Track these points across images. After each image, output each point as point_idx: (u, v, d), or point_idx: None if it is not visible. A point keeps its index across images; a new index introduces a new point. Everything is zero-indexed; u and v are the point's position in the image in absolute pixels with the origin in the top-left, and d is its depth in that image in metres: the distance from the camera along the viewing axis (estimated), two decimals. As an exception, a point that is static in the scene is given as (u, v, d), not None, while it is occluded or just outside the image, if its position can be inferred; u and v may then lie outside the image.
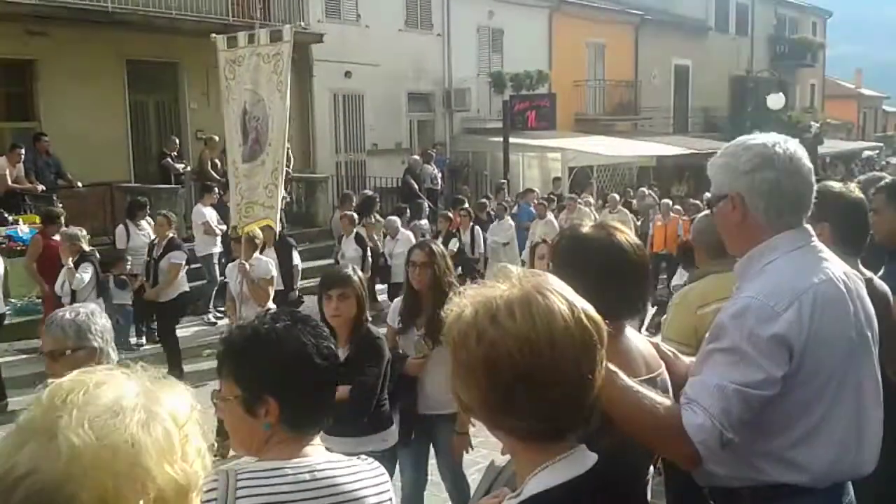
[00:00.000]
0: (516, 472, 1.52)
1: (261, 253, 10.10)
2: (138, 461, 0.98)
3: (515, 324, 1.38)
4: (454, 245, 12.28)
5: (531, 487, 1.42)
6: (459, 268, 12.73)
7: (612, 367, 1.71)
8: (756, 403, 1.94)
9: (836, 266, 2.15)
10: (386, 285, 12.29)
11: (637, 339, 2.29)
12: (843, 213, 2.95)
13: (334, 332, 3.65)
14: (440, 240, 12.29)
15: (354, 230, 11.61)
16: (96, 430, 0.97)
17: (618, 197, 16.55)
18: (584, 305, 1.44)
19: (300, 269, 10.48)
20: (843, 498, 2.15)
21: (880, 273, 3.19)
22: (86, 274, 8.40)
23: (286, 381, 1.84)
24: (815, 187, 2.90)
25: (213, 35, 7.62)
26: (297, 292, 10.23)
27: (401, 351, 4.52)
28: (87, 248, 8.77)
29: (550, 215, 14.12)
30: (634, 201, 18.05)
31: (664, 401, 1.93)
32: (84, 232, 8.92)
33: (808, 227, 2.20)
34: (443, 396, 4.20)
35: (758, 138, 2.20)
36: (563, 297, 1.43)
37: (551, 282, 1.47)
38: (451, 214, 13.10)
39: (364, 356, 3.95)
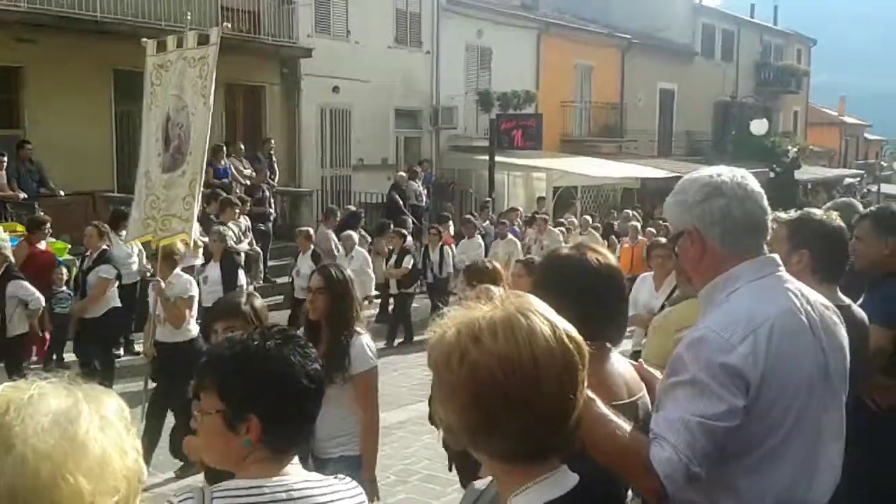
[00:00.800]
0: (498, 493, 1.51)
1: (204, 266, 9.90)
2: (106, 462, 1.00)
3: (498, 344, 1.38)
4: (408, 262, 12.27)
5: None
6: (415, 286, 12.74)
7: (590, 393, 1.72)
8: (720, 435, 1.92)
9: (801, 296, 2.13)
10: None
11: (619, 361, 2.31)
12: (824, 241, 2.97)
13: None
14: (393, 258, 12.36)
15: (311, 247, 11.40)
16: (57, 435, 0.98)
17: (589, 219, 16.65)
18: (565, 326, 1.45)
19: (245, 288, 9.88)
20: None
21: (860, 301, 3.22)
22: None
23: (271, 401, 1.83)
24: (794, 214, 2.93)
25: (144, 39, 7.40)
26: None
27: None
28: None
29: (511, 235, 14.22)
30: (617, 223, 18.13)
31: (636, 434, 1.92)
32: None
33: (775, 256, 2.19)
34: (340, 438, 3.96)
35: (704, 171, 2.21)
36: (545, 317, 1.43)
37: (533, 303, 1.47)
38: (404, 231, 13.10)
39: None
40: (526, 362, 1.37)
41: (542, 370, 1.37)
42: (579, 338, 1.46)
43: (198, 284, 9.39)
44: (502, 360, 1.37)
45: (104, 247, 9.05)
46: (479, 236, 14.09)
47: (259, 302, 3.65)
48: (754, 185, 2.15)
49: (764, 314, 2.02)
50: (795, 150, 30.96)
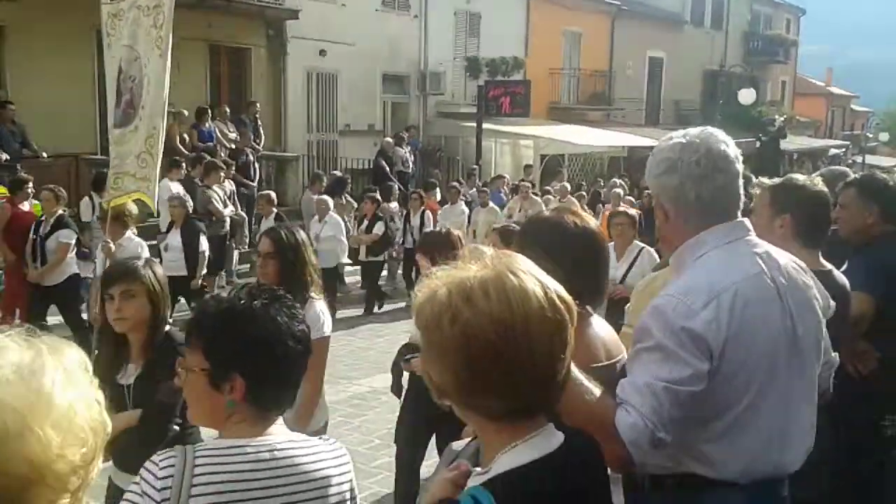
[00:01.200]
0: (484, 451, 1.52)
1: (166, 233, 9.64)
2: (73, 413, 1.00)
3: (490, 304, 1.38)
4: (379, 229, 12.07)
5: (502, 464, 1.43)
6: (385, 253, 12.55)
7: None
8: (685, 399, 1.92)
9: (769, 260, 2.12)
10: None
11: (599, 324, 2.33)
12: (805, 206, 2.97)
13: (122, 342, 3.16)
14: (364, 223, 12.21)
15: (274, 210, 11.32)
16: (22, 388, 0.98)
17: (568, 186, 16.46)
18: (555, 286, 1.46)
19: (206, 256, 9.64)
20: (774, 494, 2.11)
21: (843, 268, 3.23)
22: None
23: (256, 361, 1.82)
24: (777, 180, 2.92)
25: None
26: (199, 281, 9.43)
27: None
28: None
29: (493, 203, 14.09)
30: (604, 191, 18.13)
31: (605, 399, 1.92)
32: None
33: (744, 221, 2.17)
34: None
35: (675, 137, 2.16)
36: (536, 277, 1.44)
37: (523, 262, 1.48)
38: (378, 197, 12.80)
39: (162, 370, 2.86)
40: (518, 322, 1.37)
41: (534, 330, 1.38)
42: (569, 298, 1.47)
43: (159, 253, 9.28)
44: (495, 319, 1.37)
45: (60, 211, 8.76)
46: (463, 203, 13.98)
47: (160, 269, 3.34)
48: (720, 156, 2.09)
49: (727, 280, 2.01)
50: (781, 119, 30.96)
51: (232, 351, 1.81)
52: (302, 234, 3.87)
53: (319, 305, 3.74)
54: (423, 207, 12.91)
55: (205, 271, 9.57)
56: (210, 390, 1.82)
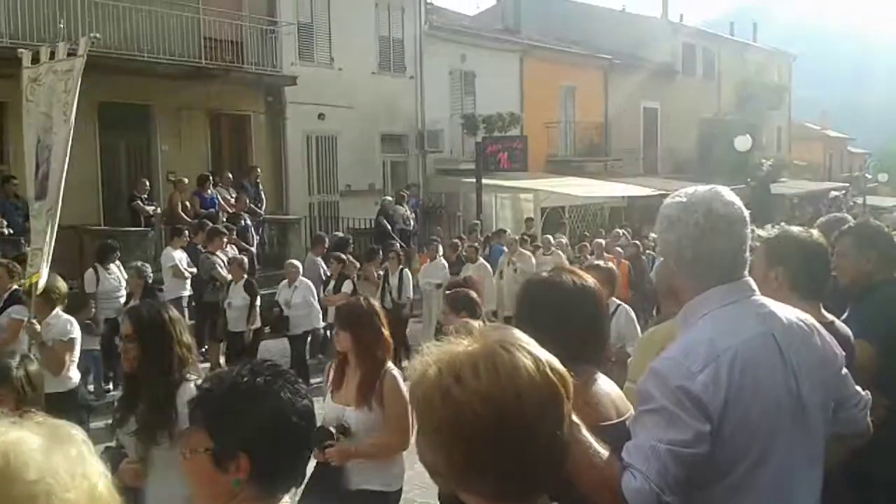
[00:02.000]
0: None
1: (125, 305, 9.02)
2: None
3: (480, 382, 1.34)
4: (347, 288, 11.35)
5: None
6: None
7: (574, 418, 1.71)
8: (689, 461, 1.90)
9: (773, 320, 2.11)
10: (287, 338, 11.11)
11: (605, 382, 2.31)
12: (798, 257, 2.95)
13: None
14: (332, 284, 11.70)
15: (245, 276, 10.59)
16: (84, 487, 1.00)
17: (551, 239, 16.11)
18: (548, 358, 1.42)
19: None
20: None
21: (843, 316, 3.22)
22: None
23: (262, 439, 1.79)
24: (771, 232, 2.90)
25: (20, 50, 6.71)
26: None
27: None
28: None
29: (482, 259, 13.85)
30: (605, 241, 18.09)
31: (612, 462, 1.90)
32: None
33: (748, 280, 2.16)
34: None
35: (683, 194, 2.17)
36: (528, 350, 1.40)
37: (515, 335, 1.45)
38: (343, 256, 12.24)
39: None
40: (510, 400, 1.34)
41: (527, 407, 1.34)
42: (563, 370, 1.43)
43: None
44: (485, 398, 1.33)
45: (14, 287, 8.16)
46: (442, 258, 13.64)
47: (34, 367, 3.12)
48: (719, 218, 2.08)
49: (727, 342, 2.00)
50: (769, 163, 31.05)
51: (236, 429, 1.78)
52: (170, 312, 3.48)
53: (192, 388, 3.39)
54: (400, 266, 12.47)
55: None
56: (214, 471, 1.78)
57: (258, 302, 10.48)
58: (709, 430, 1.93)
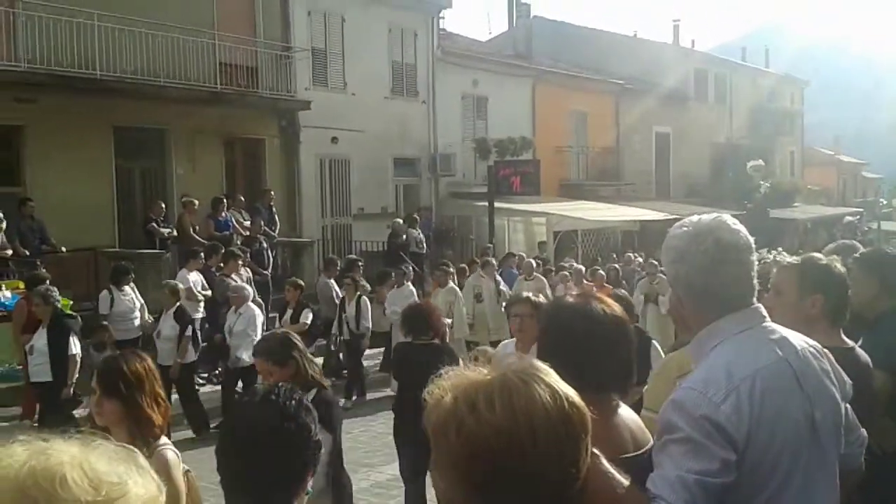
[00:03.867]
0: None
1: (32, 333, 8.55)
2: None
3: (495, 415, 1.32)
4: (306, 317, 10.84)
5: None
6: (314, 344, 11.44)
7: (595, 451, 1.70)
8: (717, 491, 1.89)
9: (787, 347, 2.10)
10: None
11: (626, 413, 2.30)
12: (836, 286, 2.97)
13: None
14: (288, 313, 10.99)
15: (177, 303, 9.71)
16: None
17: (534, 263, 15.35)
18: (567, 391, 1.39)
19: (79, 359, 8.39)
20: None
21: (859, 342, 3.21)
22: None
23: None
24: (798, 258, 2.89)
25: None
26: (71, 389, 8.29)
27: None
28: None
29: (452, 283, 12.82)
30: (619, 265, 18.02)
31: (636, 493, 1.87)
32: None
33: (759, 307, 2.15)
34: None
35: (688, 223, 2.16)
36: (546, 383, 1.38)
37: (534, 366, 1.43)
38: (299, 282, 11.56)
39: None
40: (524, 434, 1.32)
41: (541, 442, 1.32)
42: (581, 404, 1.41)
43: (24, 356, 8.69)
44: (500, 432, 1.31)
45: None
46: (410, 284, 12.83)
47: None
48: (729, 247, 2.08)
49: (745, 370, 1.99)
50: (767, 185, 30.80)
51: None
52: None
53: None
54: (358, 293, 11.74)
55: (76, 376, 8.32)
56: None
57: (189, 332, 9.55)
58: (734, 459, 1.92)
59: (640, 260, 18.08)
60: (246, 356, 9.03)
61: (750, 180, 29.01)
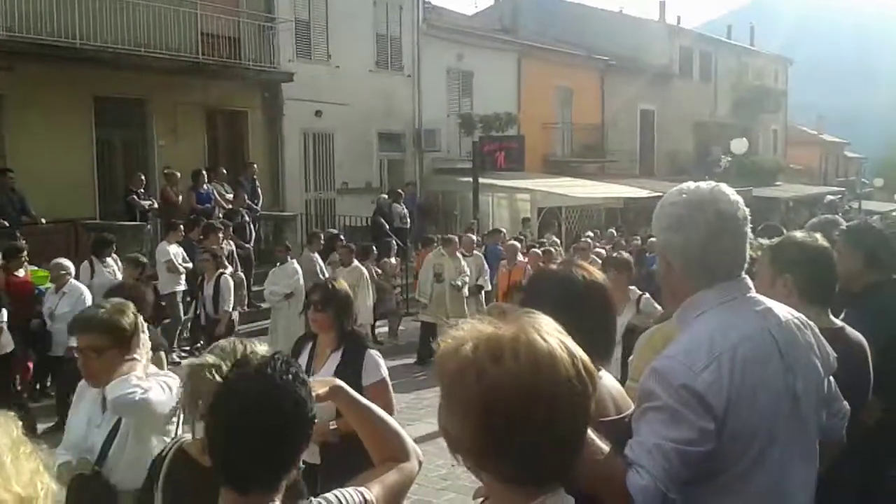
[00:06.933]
0: None
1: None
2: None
3: (520, 366, 1.35)
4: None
5: None
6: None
7: None
8: (695, 460, 1.90)
9: (770, 318, 2.10)
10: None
11: (606, 377, 2.30)
12: (805, 264, 2.93)
13: None
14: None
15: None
16: None
17: (518, 245, 14.14)
18: (581, 354, 1.43)
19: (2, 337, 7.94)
20: None
21: (842, 316, 3.21)
22: None
23: None
24: (775, 240, 2.89)
25: None
26: None
27: None
28: None
29: (356, 262, 11.86)
30: (601, 242, 18.07)
31: (614, 459, 1.90)
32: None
33: (745, 278, 2.14)
34: None
35: (687, 191, 2.14)
36: (564, 344, 1.41)
37: (550, 325, 1.45)
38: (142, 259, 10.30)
39: None
40: (544, 389, 1.34)
41: (559, 398, 1.35)
42: (592, 367, 1.44)
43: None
44: (522, 383, 1.34)
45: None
46: (295, 262, 11.65)
47: None
48: (729, 217, 2.08)
49: (728, 340, 1.99)
50: (728, 159, 30.80)
51: None
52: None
53: None
54: (219, 271, 10.15)
55: None
56: None
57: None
58: (713, 428, 1.93)
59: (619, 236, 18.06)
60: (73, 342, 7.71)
61: (734, 158, 29.13)
